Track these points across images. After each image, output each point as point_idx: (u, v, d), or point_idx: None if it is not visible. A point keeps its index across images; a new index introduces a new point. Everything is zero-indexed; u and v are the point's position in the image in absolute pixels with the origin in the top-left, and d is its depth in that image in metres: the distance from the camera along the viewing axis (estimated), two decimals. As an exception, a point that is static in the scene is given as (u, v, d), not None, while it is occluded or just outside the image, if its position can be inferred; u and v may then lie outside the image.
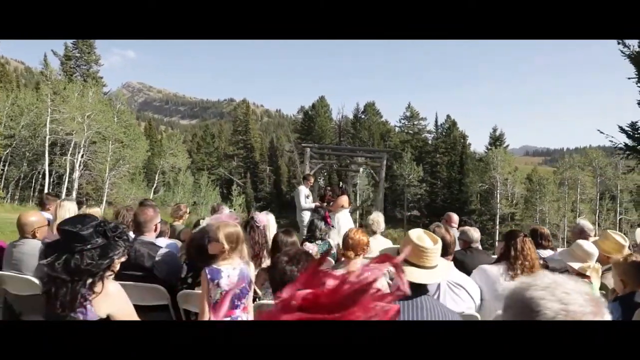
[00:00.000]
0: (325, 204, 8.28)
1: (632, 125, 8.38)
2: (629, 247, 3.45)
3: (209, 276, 2.23)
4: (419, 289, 1.77)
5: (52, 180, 28.37)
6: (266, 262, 3.09)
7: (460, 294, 2.54)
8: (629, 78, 9.16)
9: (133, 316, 2.03)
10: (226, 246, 2.24)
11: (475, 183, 40.58)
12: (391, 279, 2.44)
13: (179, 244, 3.94)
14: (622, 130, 8.37)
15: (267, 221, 3.65)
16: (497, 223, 36.86)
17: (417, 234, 1.84)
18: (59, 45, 35.27)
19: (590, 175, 38.58)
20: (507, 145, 43.79)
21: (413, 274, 1.72)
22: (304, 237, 4.39)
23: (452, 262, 2.80)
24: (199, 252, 2.73)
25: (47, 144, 26.92)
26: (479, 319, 2.53)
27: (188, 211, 5.42)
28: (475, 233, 3.82)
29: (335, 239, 4.66)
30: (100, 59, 34.47)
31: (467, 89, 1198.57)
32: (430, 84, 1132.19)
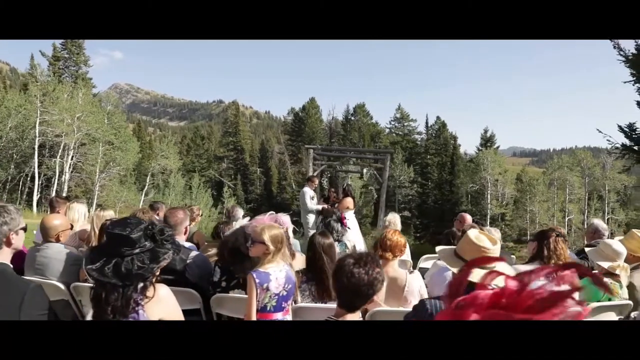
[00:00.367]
0: (329, 205, 8.32)
1: (630, 126, 8.62)
2: None
3: (257, 280, 2.18)
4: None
5: (40, 182, 27.77)
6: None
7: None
8: (625, 82, 9.34)
9: (182, 319, 2.00)
10: (272, 248, 2.21)
11: (466, 184, 40.94)
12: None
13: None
14: (620, 129, 8.63)
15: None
16: (488, 223, 37.14)
17: (475, 234, 1.83)
18: (46, 46, 34.66)
19: (579, 176, 39.19)
20: (498, 147, 44.28)
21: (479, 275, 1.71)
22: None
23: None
24: (234, 254, 2.70)
25: (36, 146, 26.39)
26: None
27: (201, 214, 5.36)
28: (496, 233, 3.85)
29: (352, 240, 4.69)
30: (89, 60, 33.89)
31: (459, 89, 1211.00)
32: (420, 85, 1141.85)
